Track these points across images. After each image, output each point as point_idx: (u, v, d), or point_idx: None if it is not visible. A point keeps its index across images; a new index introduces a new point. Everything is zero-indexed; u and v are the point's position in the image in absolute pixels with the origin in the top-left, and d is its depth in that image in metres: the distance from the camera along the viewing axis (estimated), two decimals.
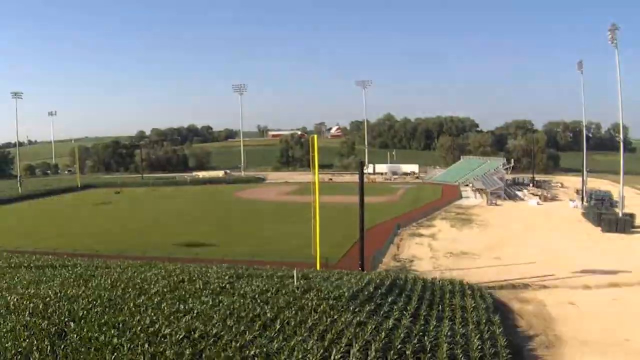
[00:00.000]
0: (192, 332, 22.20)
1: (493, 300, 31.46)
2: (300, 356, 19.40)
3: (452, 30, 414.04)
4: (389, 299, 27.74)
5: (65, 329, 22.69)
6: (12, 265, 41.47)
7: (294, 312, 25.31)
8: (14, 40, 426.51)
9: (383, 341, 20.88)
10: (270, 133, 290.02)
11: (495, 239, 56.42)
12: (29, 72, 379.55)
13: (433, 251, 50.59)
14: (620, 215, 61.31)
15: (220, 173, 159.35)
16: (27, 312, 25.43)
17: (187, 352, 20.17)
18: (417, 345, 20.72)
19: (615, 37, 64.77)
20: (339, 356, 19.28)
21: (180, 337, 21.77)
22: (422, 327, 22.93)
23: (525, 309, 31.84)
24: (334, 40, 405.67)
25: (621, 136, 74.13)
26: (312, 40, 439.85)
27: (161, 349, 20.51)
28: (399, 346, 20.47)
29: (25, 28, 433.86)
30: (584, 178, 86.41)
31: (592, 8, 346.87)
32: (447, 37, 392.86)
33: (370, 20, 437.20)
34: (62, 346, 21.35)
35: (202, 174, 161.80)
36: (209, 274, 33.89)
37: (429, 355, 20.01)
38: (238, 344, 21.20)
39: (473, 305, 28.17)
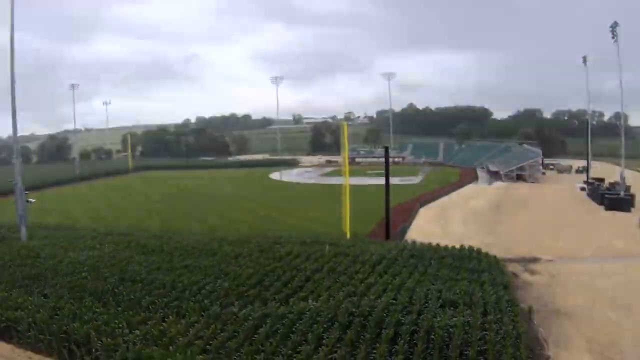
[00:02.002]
0: (231, 291, 22.81)
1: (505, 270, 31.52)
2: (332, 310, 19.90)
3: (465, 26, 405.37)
4: (411, 263, 28.08)
5: (116, 290, 23.44)
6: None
7: (325, 273, 25.80)
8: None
9: (407, 297, 21.27)
10: (304, 121, 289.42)
11: (508, 216, 56.13)
12: (86, 67, 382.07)
13: (451, 225, 50.60)
14: (621, 195, 60.97)
15: (258, 157, 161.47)
16: (82, 274, 26.27)
17: (229, 310, 20.78)
18: (439, 300, 21.07)
19: (616, 34, 64.42)
20: (367, 310, 19.69)
21: (222, 295, 22.39)
22: (443, 286, 23.21)
23: (536, 279, 31.70)
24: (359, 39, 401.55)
25: (622, 123, 75.52)
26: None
27: (206, 305, 21.18)
28: (423, 302, 20.82)
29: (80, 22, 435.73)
30: (589, 162, 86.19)
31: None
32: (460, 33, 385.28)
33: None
34: (114, 303, 22.14)
35: (242, 158, 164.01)
36: (252, 240, 34.56)
37: (451, 310, 20.33)
38: (275, 302, 21.74)
39: (488, 270, 28.35)
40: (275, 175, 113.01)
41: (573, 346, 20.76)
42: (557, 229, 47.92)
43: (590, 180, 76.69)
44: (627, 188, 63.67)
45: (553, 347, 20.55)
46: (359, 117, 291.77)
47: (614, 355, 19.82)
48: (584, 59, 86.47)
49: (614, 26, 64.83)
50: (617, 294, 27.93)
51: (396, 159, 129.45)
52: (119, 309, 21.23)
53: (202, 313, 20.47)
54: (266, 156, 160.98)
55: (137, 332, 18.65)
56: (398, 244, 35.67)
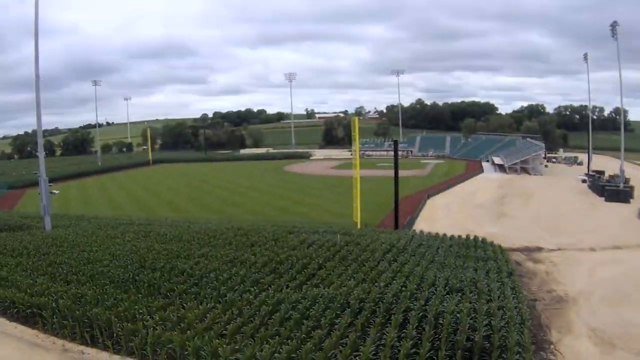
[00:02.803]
0: (247, 279, 22.76)
1: (509, 259, 31.29)
2: (344, 297, 19.87)
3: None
4: (420, 252, 27.99)
5: (137, 277, 23.49)
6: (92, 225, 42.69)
7: (337, 261, 25.75)
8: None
9: (415, 284, 21.19)
10: (317, 115, 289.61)
11: (512, 207, 55.82)
12: (108, 65, 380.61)
13: (457, 216, 50.43)
14: (621, 186, 60.64)
15: (270, 150, 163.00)
16: (104, 262, 26.34)
17: (245, 296, 20.78)
18: (446, 287, 20.99)
19: (615, 32, 64.01)
20: (377, 297, 19.65)
21: (238, 282, 22.36)
22: (450, 274, 23.10)
23: (538, 268, 31.42)
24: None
25: (622, 118, 75.70)
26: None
27: (223, 292, 21.18)
28: (431, 289, 20.74)
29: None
30: (590, 155, 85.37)
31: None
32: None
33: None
34: (135, 290, 22.17)
35: (257, 151, 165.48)
36: (267, 229, 34.59)
37: (459, 294, 20.25)
38: (289, 289, 21.72)
39: (493, 258, 28.22)
40: (289, 168, 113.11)
41: (574, 332, 20.61)
42: (560, 219, 47.58)
43: (590, 173, 76.31)
44: (627, 180, 63.28)
45: (555, 332, 20.44)
46: (369, 112, 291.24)
47: (614, 340, 19.66)
48: (585, 56, 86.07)
49: (614, 25, 64.46)
50: (617, 282, 27.67)
51: (404, 153, 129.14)
52: (139, 295, 21.26)
53: (219, 299, 20.47)
54: (281, 149, 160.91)
55: (157, 317, 18.66)
56: (407, 233, 35.63)
